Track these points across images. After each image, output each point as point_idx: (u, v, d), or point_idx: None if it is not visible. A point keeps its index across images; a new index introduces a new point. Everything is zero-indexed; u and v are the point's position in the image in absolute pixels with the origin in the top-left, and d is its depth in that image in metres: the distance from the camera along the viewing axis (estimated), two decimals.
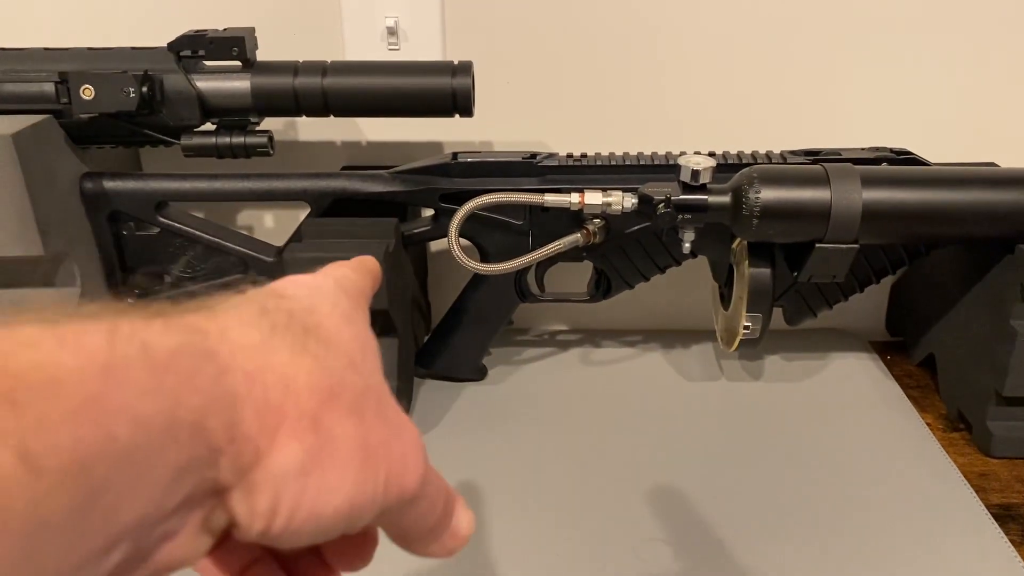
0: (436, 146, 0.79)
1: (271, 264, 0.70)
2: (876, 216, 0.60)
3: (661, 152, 0.69)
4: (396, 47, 0.75)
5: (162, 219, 0.69)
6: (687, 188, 0.61)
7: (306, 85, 0.66)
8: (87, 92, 0.63)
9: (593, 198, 0.64)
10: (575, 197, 0.64)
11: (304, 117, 0.68)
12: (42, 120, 0.64)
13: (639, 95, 0.77)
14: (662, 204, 0.61)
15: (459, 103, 0.66)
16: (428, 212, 0.71)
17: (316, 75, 0.66)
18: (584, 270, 0.74)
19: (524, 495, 0.61)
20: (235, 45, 0.65)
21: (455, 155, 0.68)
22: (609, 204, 0.63)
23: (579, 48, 0.75)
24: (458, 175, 0.68)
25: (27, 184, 0.62)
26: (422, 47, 0.75)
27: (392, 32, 0.74)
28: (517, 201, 0.64)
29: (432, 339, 0.75)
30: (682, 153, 0.65)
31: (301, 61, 0.67)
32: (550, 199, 0.64)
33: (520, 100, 0.77)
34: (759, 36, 0.75)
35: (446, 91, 0.66)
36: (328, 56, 0.68)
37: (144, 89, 0.64)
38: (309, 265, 0.61)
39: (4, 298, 0.66)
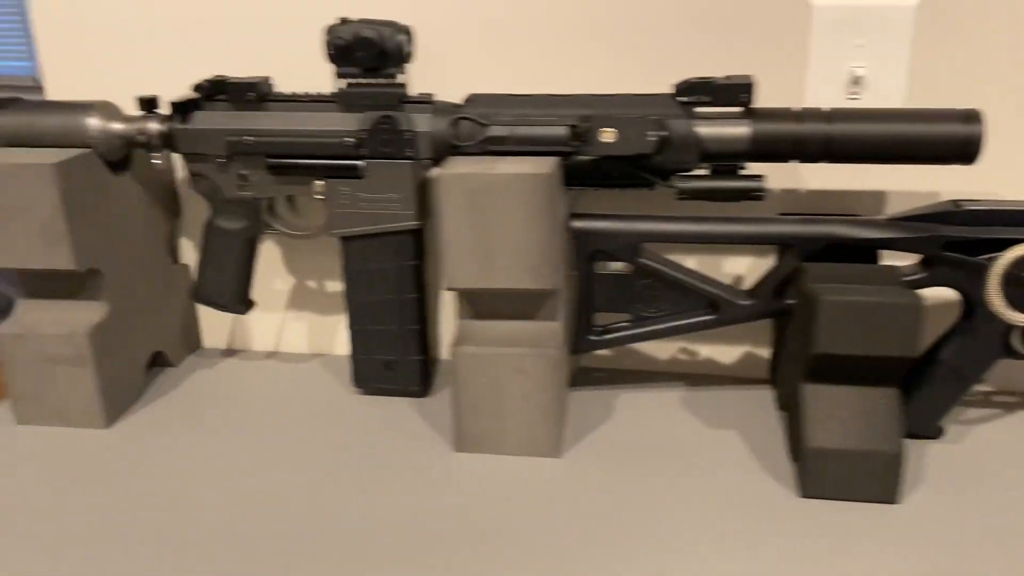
0: (877, 195, 0.78)
1: (745, 307, 0.71)
2: None
3: None
4: (857, 96, 0.75)
5: (641, 260, 0.71)
6: None
7: (811, 132, 0.66)
8: (608, 135, 0.66)
9: None
10: None
11: (793, 163, 0.69)
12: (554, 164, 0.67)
13: None
14: None
15: (968, 150, 0.65)
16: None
17: (821, 122, 0.66)
18: None
19: None
20: (742, 92, 0.67)
21: (955, 202, 0.67)
22: None
23: None
24: (962, 223, 0.66)
25: (538, 222, 0.65)
26: (883, 97, 0.75)
27: (857, 81, 0.74)
28: None
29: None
30: None
31: (800, 108, 0.67)
32: None
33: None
34: None
35: (957, 139, 0.65)
36: (785, 101, 0.69)
37: (662, 133, 0.66)
38: (846, 309, 0.61)
39: None
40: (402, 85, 0.71)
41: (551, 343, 0.69)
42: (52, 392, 0.76)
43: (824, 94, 0.75)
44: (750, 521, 0.64)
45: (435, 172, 0.67)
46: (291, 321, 0.92)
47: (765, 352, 0.84)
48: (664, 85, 0.71)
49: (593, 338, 0.75)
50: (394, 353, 0.79)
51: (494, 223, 0.65)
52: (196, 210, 0.87)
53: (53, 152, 0.72)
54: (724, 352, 0.85)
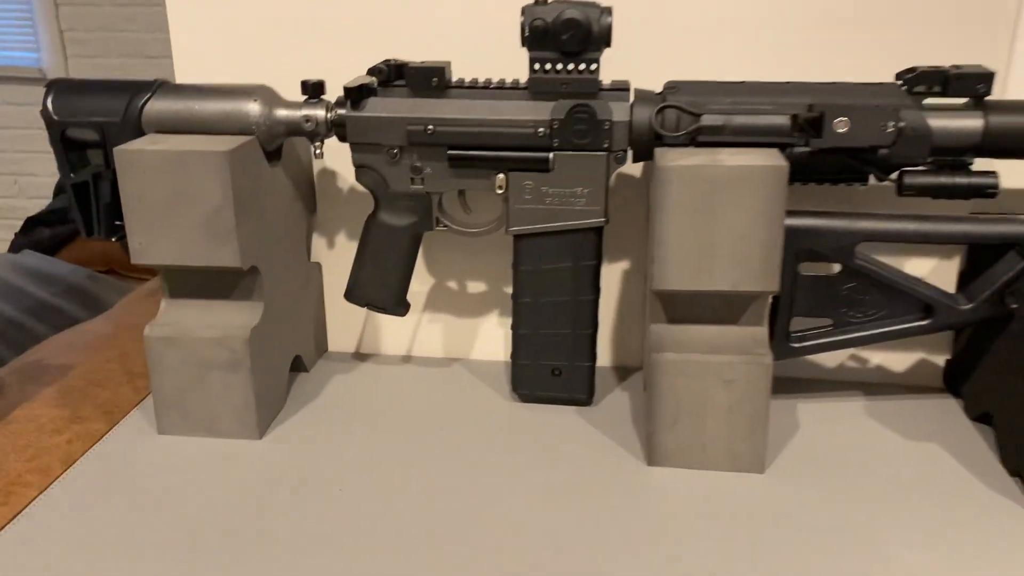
0: None
1: (965, 312, 0.67)
2: None
3: None
4: None
5: (858, 261, 0.67)
6: None
7: None
8: (842, 125, 0.61)
9: None
10: None
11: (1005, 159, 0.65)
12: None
13: None
14: None
15: None
16: None
17: None
18: None
19: None
20: (980, 82, 0.62)
21: None
22: None
23: None
24: None
25: (767, 220, 0.61)
26: None
27: None
28: None
29: None
30: None
31: None
32: None
33: None
34: None
35: None
36: None
37: (900, 125, 0.61)
38: None
39: None
40: (598, 70, 0.66)
41: (760, 349, 0.65)
42: (200, 400, 0.70)
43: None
44: (984, 540, 0.59)
45: (656, 164, 0.62)
46: (426, 323, 0.86)
47: (940, 359, 0.79)
48: (861, 74, 0.66)
49: (794, 345, 0.70)
50: (563, 358, 0.74)
51: (720, 219, 0.61)
52: (323, 205, 0.82)
53: (216, 139, 0.66)
54: (896, 360, 0.81)
